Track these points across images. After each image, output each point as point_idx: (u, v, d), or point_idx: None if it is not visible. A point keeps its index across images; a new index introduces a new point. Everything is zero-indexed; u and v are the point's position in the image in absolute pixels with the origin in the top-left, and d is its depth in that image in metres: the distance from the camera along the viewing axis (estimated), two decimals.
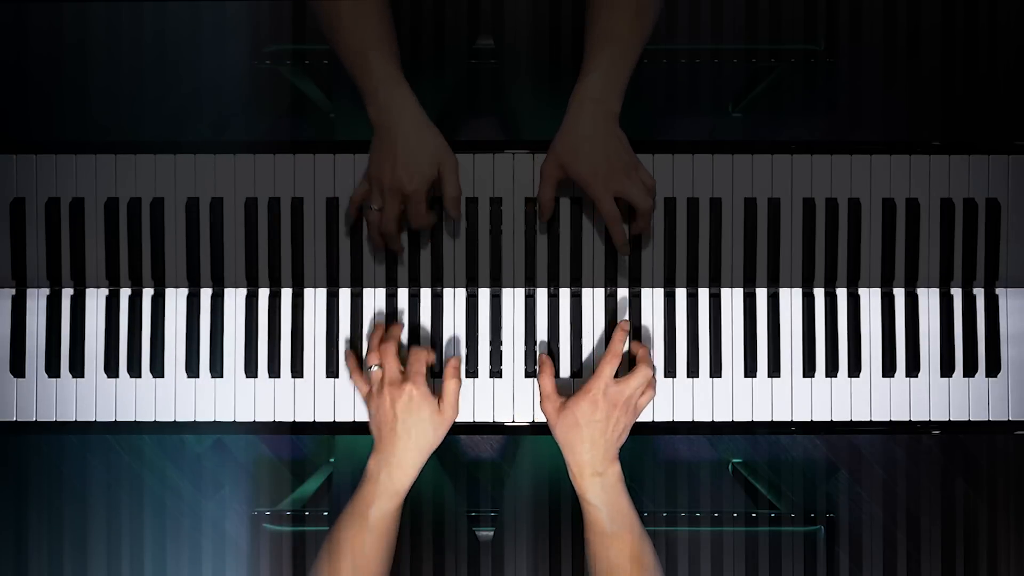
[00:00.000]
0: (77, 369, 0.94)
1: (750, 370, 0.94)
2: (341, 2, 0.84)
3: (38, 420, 0.93)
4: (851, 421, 0.94)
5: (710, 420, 0.94)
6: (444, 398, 0.87)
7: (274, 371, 0.94)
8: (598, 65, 0.85)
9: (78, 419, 0.93)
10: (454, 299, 0.95)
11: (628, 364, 0.93)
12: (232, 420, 0.94)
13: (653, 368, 0.88)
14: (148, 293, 0.94)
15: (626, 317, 0.94)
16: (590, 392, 0.84)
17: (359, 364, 0.92)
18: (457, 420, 0.93)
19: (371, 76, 0.85)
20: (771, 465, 1.63)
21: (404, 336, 0.94)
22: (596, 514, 0.84)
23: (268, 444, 1.64)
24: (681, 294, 0.95)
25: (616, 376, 0.86)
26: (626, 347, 0.92)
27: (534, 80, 1.07)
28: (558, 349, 0.94)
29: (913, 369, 0.94)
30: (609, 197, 0.86)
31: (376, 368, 0.87)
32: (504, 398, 0.94)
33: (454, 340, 0.94)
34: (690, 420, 0.94)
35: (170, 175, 0.94)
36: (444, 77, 1.11)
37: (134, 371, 0.93)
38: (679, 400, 0.94)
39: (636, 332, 0.94)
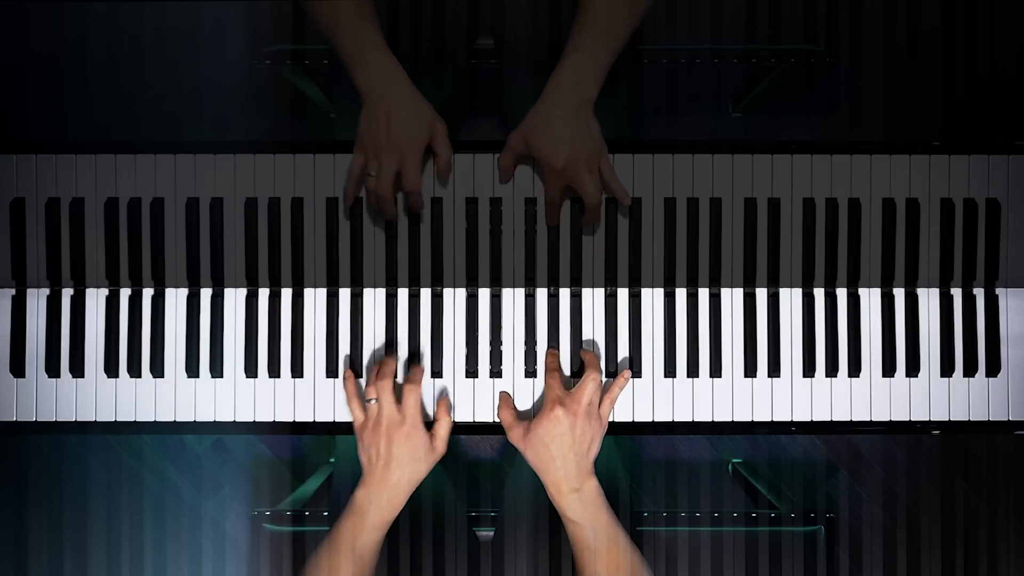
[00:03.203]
0: (77, 369, 0.94)
1: (750, 370, 0.94)
2: None
3: (38, 420, 0.93)
4: (851, 421, 0.94)
5: (710, 420, 0.94)
6: (437, 435, 0.89)
7: (274, 371, 0.94)
8: (579, 48, 0.86)
9: (78, 419, 0.93)
10: (454, 299, 0.95)
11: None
12: (232, 420, 0.94)
13: (601, 372, 0.90)
14: (148, 293, 0.94)
15: (551, 348, 0.94)
16: (546, 410, 0.86)
17: (357, 391, 0.92)
18: (458, 420, 0.94)
19: (361, 44, 0.86)
20: (771, 465, 1.63)
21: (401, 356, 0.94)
22: (579, 531, 0.84)
23: (268, 444, 1.64)
24: (681, 294, 0.95)
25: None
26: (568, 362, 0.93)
27: (534, 80, 1.07)
28: (558, 349, 0.94)
29: (913, 369, 0.94)
30: (560, 185, 0.89)
31: (374, 402, 0.88)
32: None
33: (454, 340, 0.94)
34: (690, 420, 0.94)
35: (170, 175, 0.94)
36: (444, 77, 1.11)
37: (134, 371, 0.93)
38: (679, 400, 0.94)
39: (636, 332, 0.94)
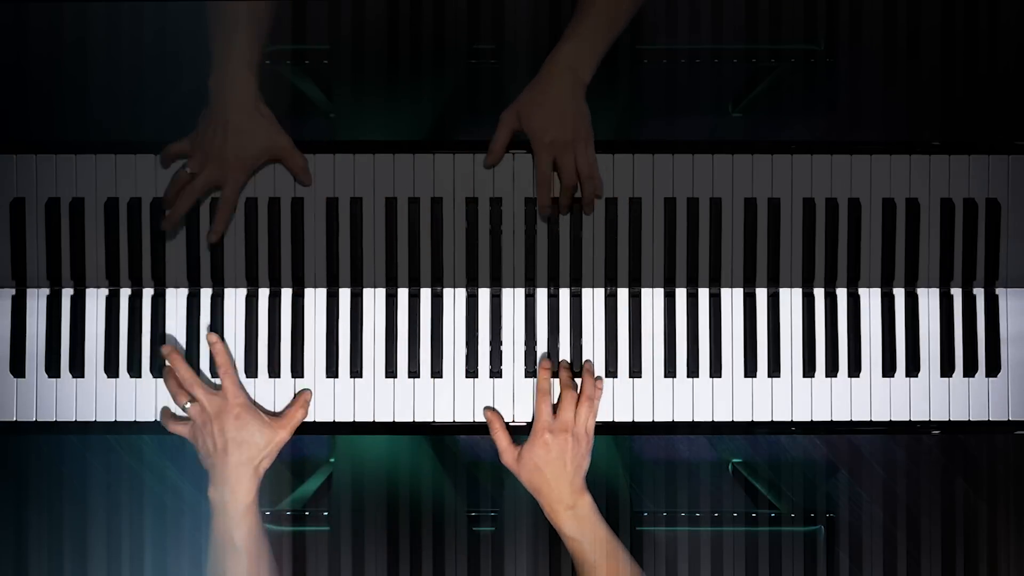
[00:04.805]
0: (77, 369, 0.94)
1: (750, 370, 0.94)
2: None
3: (38, 420, 0.93)
4: (851, 421, 0.94)
5: (710, 420, 0.94)
6: (286, 420, 0.89)
7: (274, 371, 0.94)
8: (577, 33, 0.89)
9: (78, 419, 0.93)
10: (454, 299, 0.95)
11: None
12: None
13: (574, 386, 0.91)
14: (148, 293, 0.94)
15: (546, 354, 0.94)
16: (537, 435, 0.88)
17: (173, 415, 0.92)
18: (458, 420, 0.94)
19: (229, 50, 0.87)
20: (771, 465, 1.63)
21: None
22: (577, 547, 0.86)
23: None
24: (681, 294, 0.95)
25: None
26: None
27: None
28: (558, 349, 0.94)
29: (913, 369, 0.94)
30: (548, 158, 0.90)
31: (191, 405, 0.87)
32: (504, 398, 0.94)
33: (454, 340, 0.94)
34: (690, 420, 0.94)
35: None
36: (444, 77, 1.11)
37: (134, 371, 0.93)
38: (679, 400, 0.94)
39: (636, 332, 0.94)
